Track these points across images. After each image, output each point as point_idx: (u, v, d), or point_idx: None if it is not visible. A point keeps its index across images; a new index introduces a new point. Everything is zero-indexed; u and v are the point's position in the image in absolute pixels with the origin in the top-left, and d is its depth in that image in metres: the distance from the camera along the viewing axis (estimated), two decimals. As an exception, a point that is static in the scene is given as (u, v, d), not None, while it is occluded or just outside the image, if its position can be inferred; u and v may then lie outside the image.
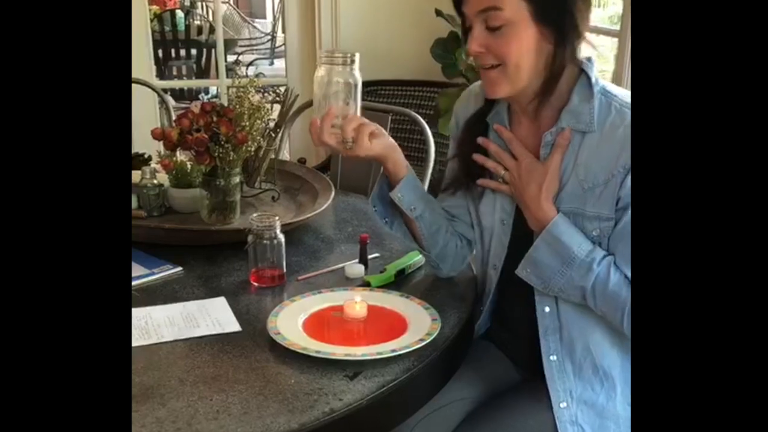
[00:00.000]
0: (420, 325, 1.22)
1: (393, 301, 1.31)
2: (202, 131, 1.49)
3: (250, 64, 6.25)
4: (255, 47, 6.92)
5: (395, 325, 1.23)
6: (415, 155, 3.27)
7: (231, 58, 6.48)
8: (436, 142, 3.30)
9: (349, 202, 1.92)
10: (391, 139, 1.31)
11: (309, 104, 2.43)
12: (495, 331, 1.45)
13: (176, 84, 5.09)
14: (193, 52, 5.55)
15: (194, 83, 5.42)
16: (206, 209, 1.58)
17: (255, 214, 1.39)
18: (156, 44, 5.31)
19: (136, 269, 1.42)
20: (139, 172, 1.63)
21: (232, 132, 1.50)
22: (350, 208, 1.89)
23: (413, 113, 2.07)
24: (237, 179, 1.59)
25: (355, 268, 1.45)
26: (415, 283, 1.44)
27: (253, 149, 1.56)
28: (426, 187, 2.05)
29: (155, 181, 1.63)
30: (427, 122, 3.27)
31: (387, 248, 1.59)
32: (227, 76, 6.10)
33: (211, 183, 1.56)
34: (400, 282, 1.43)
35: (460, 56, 2.89)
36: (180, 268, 1.44)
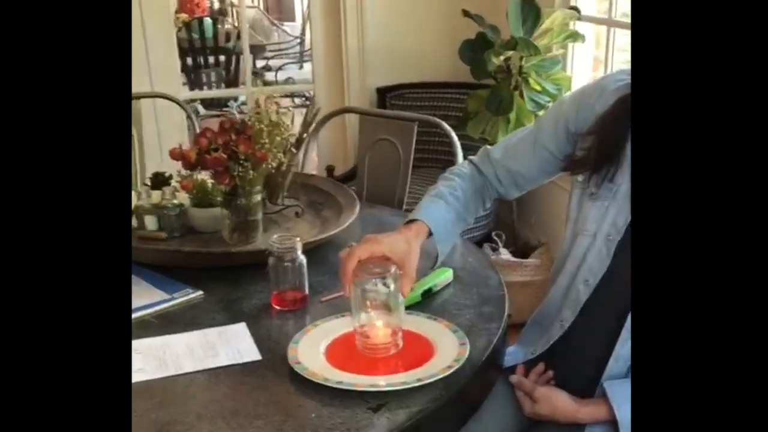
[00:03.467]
0: (447, 349, 1.17)
1: (419, 324, 1.25)
2: (220, 150, 1.45)
3: (279, 68, 6.23)
4: (284, 51, 6.90)
5: (421, 350, 1.18)
6: (443, 158, 3.22)
7: (260, 63, 6.48)
8: (464, 145, 3.27)
9: (374, 215, 1.88)
10: (403, 253, 1.23)
11: (336, 112, 2.40)
12: (549, 358, 1.36)
13: (200, 95, 5.07)
14: (222, 59, 5.55)
15: (218, 93, 5.42)
16: (228, 229, 1.55)
17: (275, 236, 1.35)
18: (184, 53, 5.34)
19: (156, 294, 1.39)
20: (159, 192, 1.60)
21: (251, 150, 1.46)
22: (376, 221, 1.84)
23: (437, 120, 2.01)
24: (258, 197, 1.55)
25: (379, 288, 1.40)
26: (443, 302, 1.39)
27: (273, 166, 1.52)
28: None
29: (175, 201, 1.60)
30: (456, 125, 3.24)
31: (417, 266, 1.54)
32: (256, 82, 6.14)
33: (231, 202, 1.53)
34: (426, 301, 1.38)
35: (490, 57, 2.82)
36: (200, 292, 1.40)
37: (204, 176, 1.61)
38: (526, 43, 2.72)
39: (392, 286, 1.16)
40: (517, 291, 2.84)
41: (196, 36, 5.50)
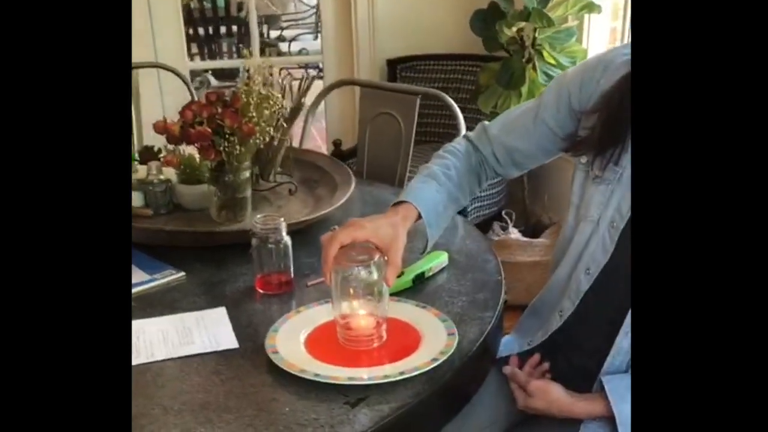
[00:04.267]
0: (434, 341, 1.10)
1: (407, 312, 1.19)
2: (205, 124, 1.38)
3: (293, 39, 6.12)
4: (300, 21, 6.79)
5: (407, 341, 1.11)
6: (448, 133, 3.12)
7: (275, 33, 6.38)
8: (475, 119, 3.17)
9: (373, 194, 1.80)
10: (389, 240, 1.15)
11: (335, 85, 2.31)
12: (546, 350, 1.29)
13: (203, 65, 4.95)
14: (235, 29, 5.46)
15: (222, 64, 5.30)
16: (215, 206, 1.48)
17: (258, 216, 1.28)
18: (195, 22, 5.26)
19: (137, 274, 1.33)
20: (145, 167, 1.53)
21: (237, 124, 1.39)
22: (374, 200, 1.77)
23: (440, 92, 1.92)
24: (246, 174, 1.48)
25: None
26: (436, 287, 1.32)
27: (262, 141, 1.45)
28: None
29: (162, 177, 1.53)
30: (467, 98, 3.15)
31: (408, 247, 1.46)
32: (269, 52, 6.03)
33: (219, 179, 1.46)
34: (418, 287, 1.31)
35: (502, 29, 2.72)
36: (182, 273, 1.34)
37: (192, 151, 1.54)
38: (539, 13, 2.62)
39: (376, 275, 1.09)
40: (526, 271, 2.77)
41: (207, 5, 5.41)
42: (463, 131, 1.89)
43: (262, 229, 1.26)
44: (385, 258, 1.12)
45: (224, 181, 1.46)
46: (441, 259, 1.38)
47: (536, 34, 2.72)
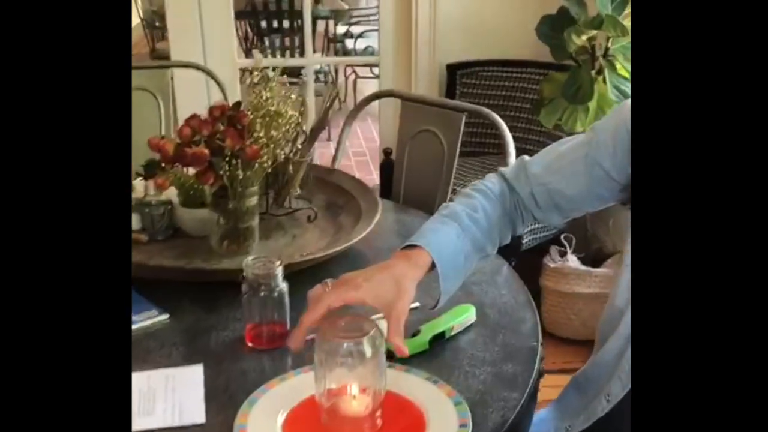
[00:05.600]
0: (442, 429, 0.89)
1: (413, 387, 0.98)
2: (203, 144, 1.20)
3: (359, 36, 5.94)
4: (368, 18, 6.61)
5: (408, 427, 0.91)
6: (494, 151, 2.90)
7: (341, 30, 6.21)
8: (538, 132, 2.93)
9: (406, 223, 1.60)
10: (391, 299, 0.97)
11: (383, 93, 2.12)
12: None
13: (249, 63, 4.73)
14: (298, 24, 5.31)
15: (274, 62, 5.07)
16: (216, 236, 1.31)
17: (250, 258, 1.09)
18: (256, 16, 5.12)
19: (115, 314, 1.16)
20: (142, 184, 1.37)
21: (240, 145, 1.21)
22: (406, 231, 1.55)
23: (487, 110, 1.68)
24: (253, 201, 1.30)
25: (380, 327, 1.12)
26: (456, 351, 1.10)
27: (269, 166, 1.26)
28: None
29: (161, 198, 1.36)
30: (530, 109, 2.90)
31: (433, 295, 1.26)
32: (333, 50, 5.86)
33: (220, 205, 1.28)
34: (436, 350, 1.10)
35: (570, 37, 2.46)
36: (166, 316, 1.17)
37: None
38: (613, 21, 2.35)
39: (369, 352, 0.88)
40: (583, 304, 2.52)
41: (271, -4, 5.27)
42: (512, 153, 1.66)
43: (253, 275, 1.07)
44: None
45: (226, 209, 1.28)
46: (466, 315, 1.16)
47: (609, 44, 2.46)
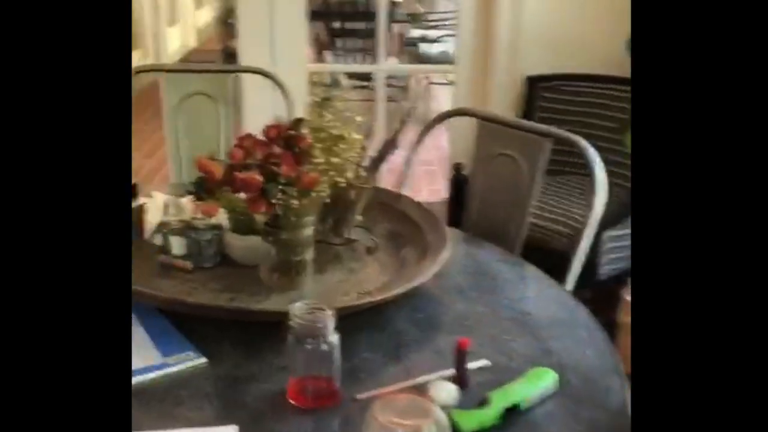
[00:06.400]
0: None
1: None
2: (255, 169, 1.08)
3: (435, 40, 5.78)
4: (446, 22, 6.45)
5: None
6: (580, 173, 2.68)
7: (417, 33, 6.07)
8: (627, 153, 2.71)
9: (477, 259, 1.44)
10: None
11: (458, 111, 1.96)
12: None
13: (321, 68, 4.61)
14: (372, 26, 5.18)
15: (345, 68, 4.97)
16: (266, 268, 1.18)
17: (297, 303, 0.95)
18: (330, 17, 5.03)
19: (148, 354, 1.04)
20: (190, 205, 1.25)
21: (295, 173, 1.07)
22: (476, 268, 1.40)
23: (577, 138, 1.51)
24: (308, 232, 1.17)
25: (442, 391, 0.97)
26: (532, 425, 0.95)
27: (326, 194, 1.13)
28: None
29: (212, 221, 1.24)
30: (616, 128, 2.70)
31: (505, 351, 1.10)
32: (407, 54, 5.72)
33: (272, 235, 1.16)
34: (511, 424, 0.94)
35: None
36: (203, 360, 1.04)
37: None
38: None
39: None
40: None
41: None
42: (601, 179, 1.47)
43: (299, 324, 0.94)
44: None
45: (279, 239, 1.15)
46: (545, 382, 1.00)
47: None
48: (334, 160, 1.10)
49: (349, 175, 1.19)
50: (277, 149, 1.10)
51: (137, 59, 5.39)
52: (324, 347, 0.94)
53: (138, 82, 4.77)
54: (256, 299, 1.14)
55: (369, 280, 1.25)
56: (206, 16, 7.80)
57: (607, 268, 2.48)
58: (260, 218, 1.22)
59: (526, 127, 1.60)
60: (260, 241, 1.21)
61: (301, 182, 1.08)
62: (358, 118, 1.16)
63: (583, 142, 1.49)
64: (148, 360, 1.03)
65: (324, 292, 1.19)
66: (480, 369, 1.05)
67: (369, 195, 1.32)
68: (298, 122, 1.18)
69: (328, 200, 1.16)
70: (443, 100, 5.19)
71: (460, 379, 1.01)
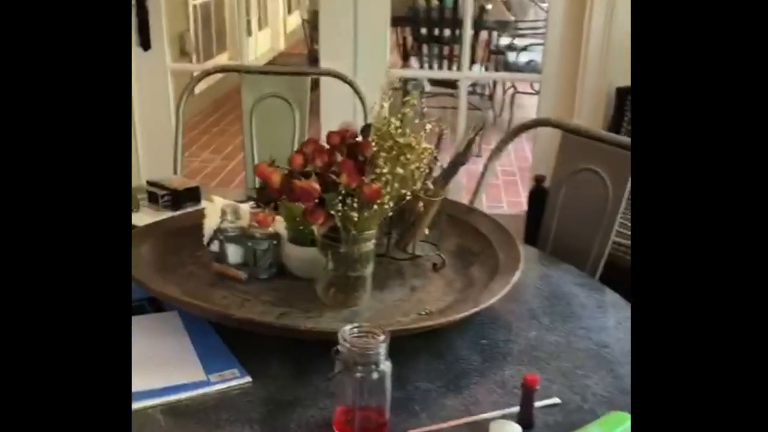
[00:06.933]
0: None
1: None
2: (314, 177, 1.01)
3: (523, 49, 5.63)
4: (535, 31, 6.29)
5: None
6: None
7: (505, 41, 5.93)
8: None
9: (552, 281, 1.33)
10: None
11: (540, 122, 1.85)
12: None
13: (402, 73, 4.52)
14: (459, 33, 5.08)
15: (427, 74, 4.86)
16: (323, 283, 1.11)
17: (347, 327, 0.88)
18: (417, 23, 4.97)
19: (193, 370, 0.98)
20: (247, 212, 1.19)
21: (357, 183, 1.00)
22: (551, 291, 1.29)
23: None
24: (369, 246, 1.09)
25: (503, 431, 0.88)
26: (604, 481, 0.84)
27: (389, 207, 1.05)
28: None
29: (269, 230, 1.18)
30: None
31: (578, 388, 1.00)
32: (494, 62, 5.59)
33: (330, 248, 1.08)
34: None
35: None
36: (248, 379, 0.98)
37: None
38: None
39: None
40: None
41: (434, 4, 5.07)
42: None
43: (348, 349, 0.86)
44: None
45: (336, 253, 1.08)
46: (622, 428, 0.89)
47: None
48: (400, 170, 1.02)
49: (417, 186, 1.11)
50: (338, 157, 1.02)
51: (225, 60, 5.46)
52: (374, 376, 0.86)
53: (225, 83, 4.83)
54: (308, 316, 1.07)
55: (431, 299, 1.16)
56: (297, 20, 7.87)
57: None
58: (321, 229, 1.15)
59: (612, 140, 1.48)
60: (319, 253, 1.14)
61: (362, 193, 1.00)
62: (428, 126, 1.07)
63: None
64: (191, 376, 0.97)
65: (381, 310, 1.11)
66: (548, 407, 0.95)
67: (437, 208, 1.23)
68: (367, 129, 1.10)
69: (391, 213, 1.08)
70: (531, 110, 5.04)
71: (526, 420, 0.91)
